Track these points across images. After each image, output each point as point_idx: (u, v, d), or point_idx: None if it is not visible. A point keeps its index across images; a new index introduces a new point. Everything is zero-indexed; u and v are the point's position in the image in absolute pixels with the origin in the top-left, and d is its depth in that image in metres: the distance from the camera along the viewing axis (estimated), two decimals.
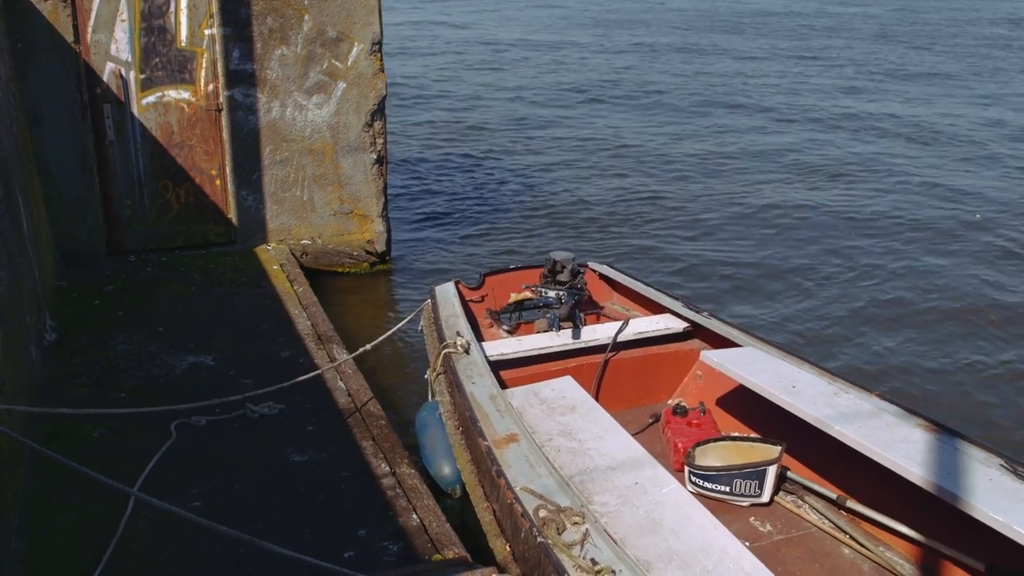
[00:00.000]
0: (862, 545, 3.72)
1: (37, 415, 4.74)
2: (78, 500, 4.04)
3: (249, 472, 4.33)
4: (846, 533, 3.80)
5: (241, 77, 7.34)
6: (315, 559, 3.20)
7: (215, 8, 7.13)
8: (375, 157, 7.88)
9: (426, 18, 30.05)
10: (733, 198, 10.58)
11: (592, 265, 5.84)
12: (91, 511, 3.96)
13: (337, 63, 7.55)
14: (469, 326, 4.86)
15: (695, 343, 5.10)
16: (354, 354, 5.30)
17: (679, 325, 5.09)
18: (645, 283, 5.54)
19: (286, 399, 5.03)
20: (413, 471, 4.36)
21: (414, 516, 3.97)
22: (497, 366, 4.57)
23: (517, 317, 5.36)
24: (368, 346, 5.28)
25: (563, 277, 5.30)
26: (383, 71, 7.73)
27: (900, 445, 3.54)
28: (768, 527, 3.91)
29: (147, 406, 4.96)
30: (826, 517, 3.91)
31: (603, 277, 5.80)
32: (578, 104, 16.44)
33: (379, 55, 7.66)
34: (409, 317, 5.36)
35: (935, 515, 3.55)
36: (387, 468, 4.37)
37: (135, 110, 7.21)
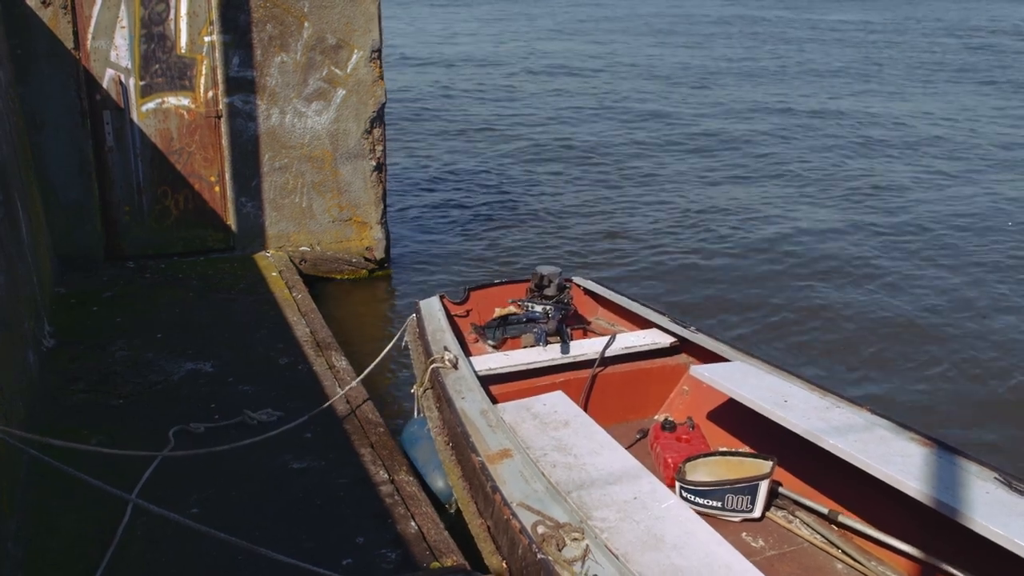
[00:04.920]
0: (855, 560, 3.71)
1: (36, 420, 4.73)
2: (76, 506, 4.03)
3: (247, 479, 4.33)
4: (838, 548, 3.79)
5: (240, 84, 7.36)
6: (313, 566, 3.20)
7: (215, 15, 7.15)
8: (374, 164, 7.89)
9: (426, 26, 30.11)
10: (723, 213, 10.56)
11: (577, 280, 5.81)
12: (89, 517, 3.96)
13: (337, 70, 7.57)
14: (456, 341, 4.83)
15: (682, 358, 5.08)
16: (360, 377, 5.26)
17: (666, 340, 5.07)
18: (631, 298, 5.52)
19: (285, 406, 5.03)
20: (411, 478, 4.36)
21: (412, 523, 3.97)
22: (485, 381, 4.52)
23: (502, 332, 5.34)
24: (367, 370, 5.27)
25: (550, 292, 5.28)
26: (382, 78, 7.74)
27: (896, 459, 3.52)
28: (760, 543, 3.90)
29: (146, 413, 4.97)
30: (818, 532, 3.90)
31: (588, 292, 5.77)
32: (577, 111, 16.47)
33: (379, 62, 7.68)
34: (396, 337, 5.34)
35: (928, 529, 3.54)
36: (385, 475, 4.37)
37: (135, 116, 7.22)
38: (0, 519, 3.51)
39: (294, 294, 6.86)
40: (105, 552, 3.70)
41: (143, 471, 4.30)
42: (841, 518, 3.86)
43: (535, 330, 5.11)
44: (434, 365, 4.53)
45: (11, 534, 3.66)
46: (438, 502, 4.35)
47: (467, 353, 4.82)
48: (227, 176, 7.52)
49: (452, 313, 5.40)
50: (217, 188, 7.57)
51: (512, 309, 5.38)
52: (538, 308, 5.24)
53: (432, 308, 5.27)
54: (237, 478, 4.32)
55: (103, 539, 3.79)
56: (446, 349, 4.65)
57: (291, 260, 7.66)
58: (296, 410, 4.99)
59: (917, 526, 3.60)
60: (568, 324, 5.26)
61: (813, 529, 3.92)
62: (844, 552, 3.76)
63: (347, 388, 5.18)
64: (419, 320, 5.17)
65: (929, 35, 30.41)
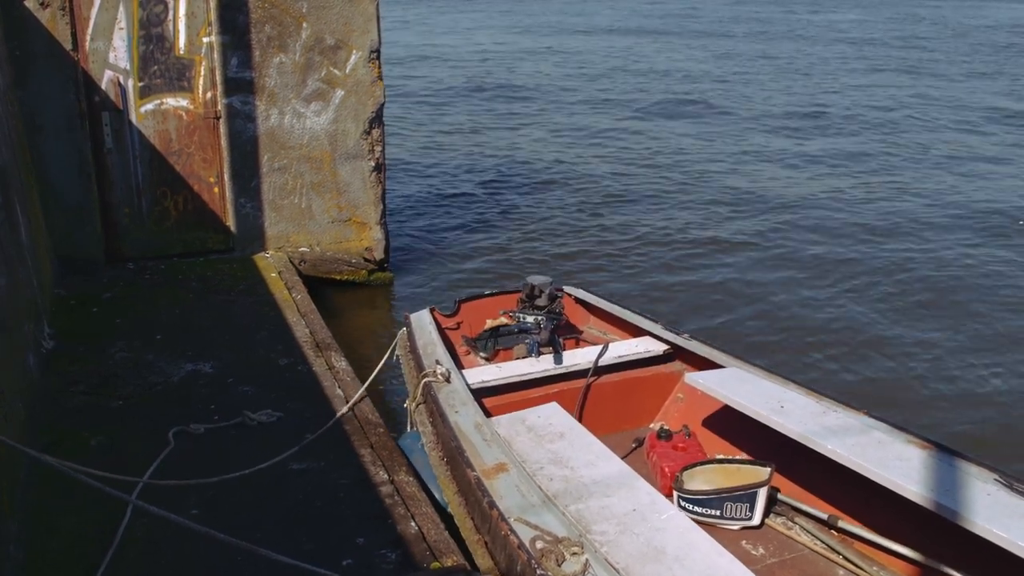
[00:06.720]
0: (856, 565, 3.69)
1: (36, 421, 4.73)
2: (76, 507, 4.03)
3: (247, 480, 4.32)
4: (839, 553, 3.77)
5: (239, 85, 7.36)
6: (314, 566, 3.20)
7: (213, 16, 7.15)
8: (373, 164, 7.89)
9: (424, 27, 30.10)
10: (713, 221, 10.53)
11: (568, 289, 5.77)
12: (89, 518, 3.96)
13: (335, 71, 7.57)
14: (448, 354, 4.79)
15: (676, 365, 5.05)
16: (363, 388, 5.22)
17: (659, 347, 5.04)
18: (622, 306, 5.49)
19: (285, 407, 5.03)
20: (411, 479, 4.36)
21: (412, 524, 3.97)
22: (478, 394, 4.49)
23: (494, 344, 5.30)
24: (366, 383, 5.23)
25: (541, 302, 5.23)
26: (381, 79, 7.74)
27: (894, 463, 3.50)
28: (760, 550, 3.87)
29: (146, 414, 4.98)
30: (818, 538, 3.88)
31: (580, 301, 5.73)
32: (574, 114, 16.47)
33: (377, 63, 7.68)
34: (389, 351, 5.31)
35: (929, 532, 3.53)
36: (385, 476, 4.37)
37: (133, 118, 7.22)
38: (0, 520, 3.51)
39: (294, 295, 6.86)
40: (105, 553, 3.70)
41: (143, 472, 4.30)
42: (841, 523, 3.85)
43: (527, 341, 5.08)
44: (426, 379, 4.50)
45: (12, 536, 3.67)
46: (438, 503, 4.35)
47: (459, 366, 4.79)
48: (226, 177, 7.52)
49: (443, 326, 5.37)
50: (216, 189, 7.57)
51: (503, 320, 5.34)
52: (530, 319, 5.20)
53: (423, 321, 5.25)
54: (237, 480, 4.32)
55: (103, 540, 3.79)
56: (438, 363, 4.62)
57: (290, 261, 7.66)
58: (296, 411, 4.99)
59: (918, 529, 3.58)
60: (560, 334, 5.23)
61: (813, 535, 3.90)
62: (845, 557, 3.74)
63: (352, 402, 5.10)
64: (410, 334, 5.14)
65: None
